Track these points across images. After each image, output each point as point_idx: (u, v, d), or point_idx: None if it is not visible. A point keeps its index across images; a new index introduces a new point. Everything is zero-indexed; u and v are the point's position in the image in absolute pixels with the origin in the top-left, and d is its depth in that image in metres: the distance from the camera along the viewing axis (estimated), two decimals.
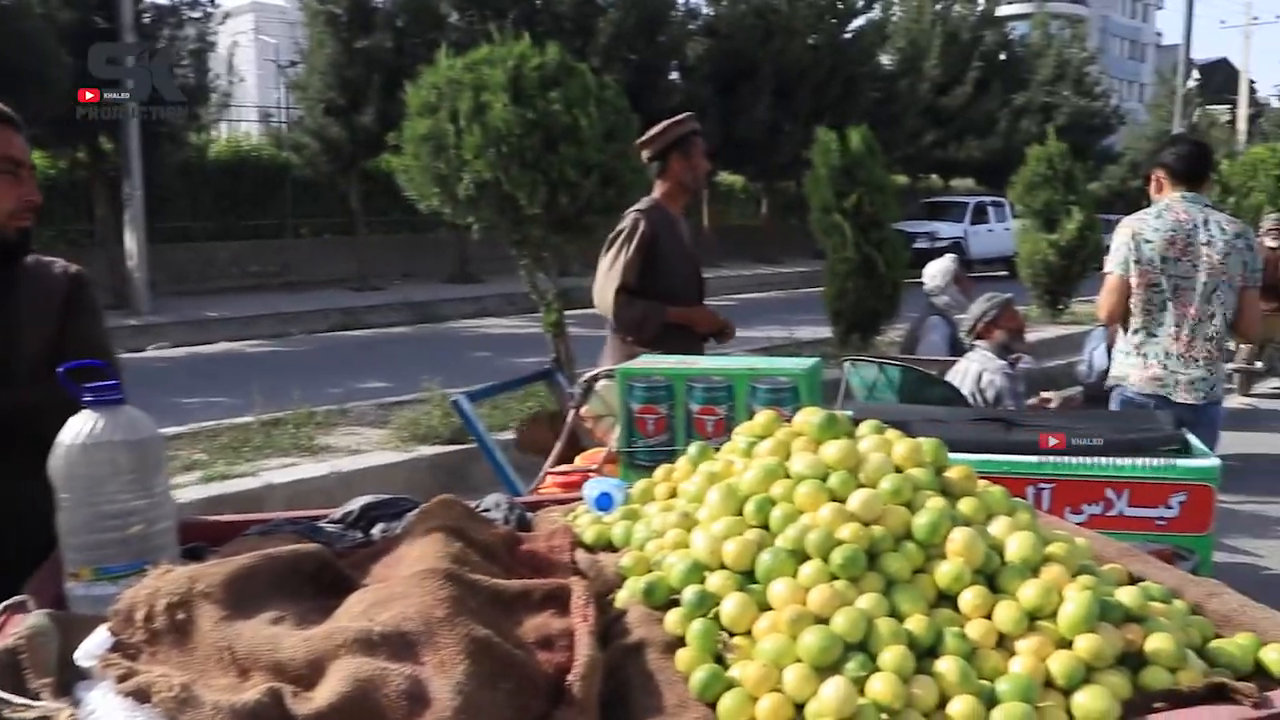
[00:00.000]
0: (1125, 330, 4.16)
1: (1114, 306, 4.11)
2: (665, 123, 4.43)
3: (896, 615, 1.46)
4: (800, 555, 1.56)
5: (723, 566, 1.61)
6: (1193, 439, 3.09)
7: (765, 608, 1.52)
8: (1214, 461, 2.91)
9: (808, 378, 3.10)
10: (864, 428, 1.88)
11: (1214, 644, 1.51)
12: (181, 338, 14.55)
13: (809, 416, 1.88)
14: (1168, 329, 4.03)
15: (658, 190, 4.48)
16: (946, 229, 24.05)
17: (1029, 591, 1.46)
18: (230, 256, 19.58)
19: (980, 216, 25.07)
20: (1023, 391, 4.88)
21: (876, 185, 9.41)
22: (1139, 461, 2.87)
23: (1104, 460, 2.89)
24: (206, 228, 19.67)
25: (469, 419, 3.74)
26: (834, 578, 1.51)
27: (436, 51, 7.10)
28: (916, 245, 24.03)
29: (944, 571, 1.51)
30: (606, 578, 1.78)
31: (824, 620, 1.44)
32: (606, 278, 4.24)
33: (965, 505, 1.65)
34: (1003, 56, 30.44)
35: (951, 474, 1.76)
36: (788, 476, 1.73)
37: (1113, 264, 4.11)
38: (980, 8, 30.15)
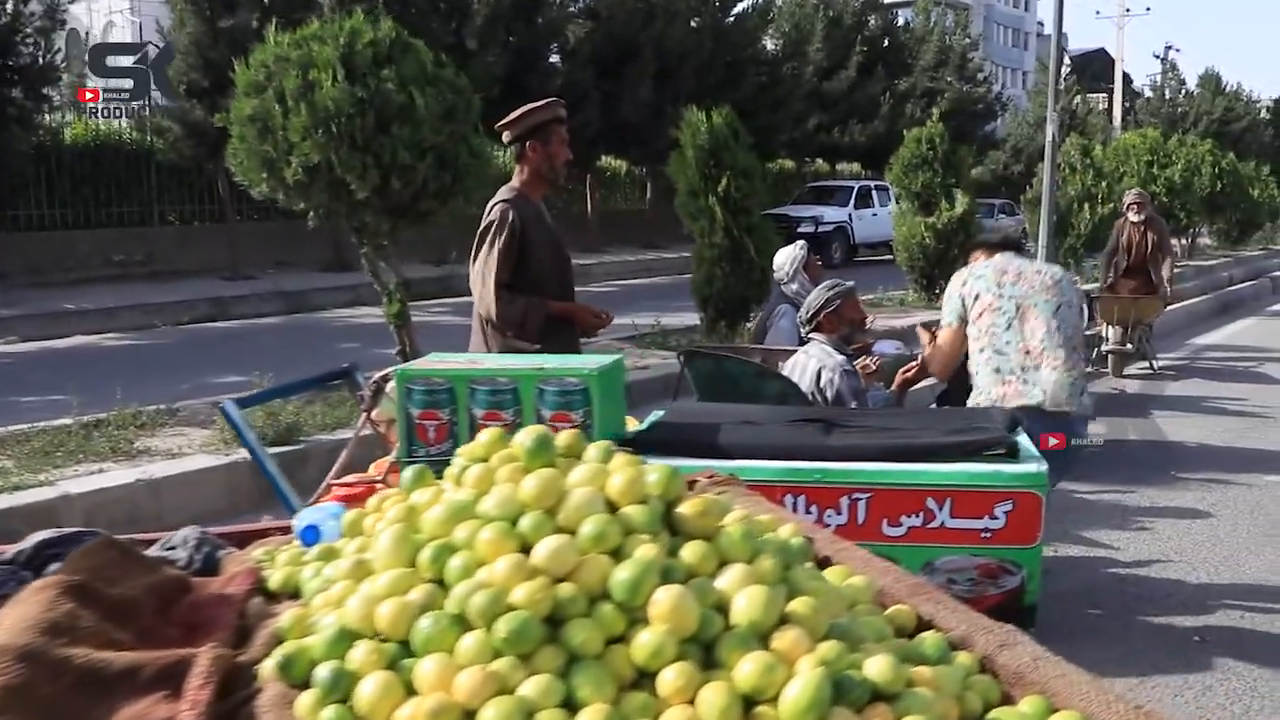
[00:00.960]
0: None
1: (949, 360, 4.58)
2: (526, 107, 4.21)
3: (573, 704, 1.16)
4: (467, 622, 1.25)
5: (378, 634, 1.30)
6: (1024, 441, 2.88)
7: (415, 692, 1.21)
8: (1041, 466, 2.70)
9: (601, 378, 2.81)
10: (591, 450, 1.58)
11: (993, 715, 1.24)
12: (33, 331, 13.66)
13: (524, 435, 1.58)
14: (1016, 344, 4.22)
15: (517, 177, 4.27)
16: (831, 213, 24.12)
17: (747, 668, 1.17)
18: (91, 246, 18.55)
19: (864, 201, 25.21)
20: (864, 389, 4.63)
21: (742, 169, 9.18)
22: (961, 468, 2.65)
23: (923, 467, 2.65)
24: (64, 215, 18.62)
25: (238, 427, 3.37)
26: (498, 653, 1.20)
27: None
28: (801, 230, 24.01)
29: (642, 643, 1.21)
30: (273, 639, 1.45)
31: (473, 713, 1.13)
32: (484, 274, 4.06)
33: (690, 552, 1.36)
34: (886, 42, 30.65)
35: (686, 509, 1.46)
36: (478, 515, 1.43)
37: (946, 314, 4.42)
38: None
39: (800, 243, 6.34)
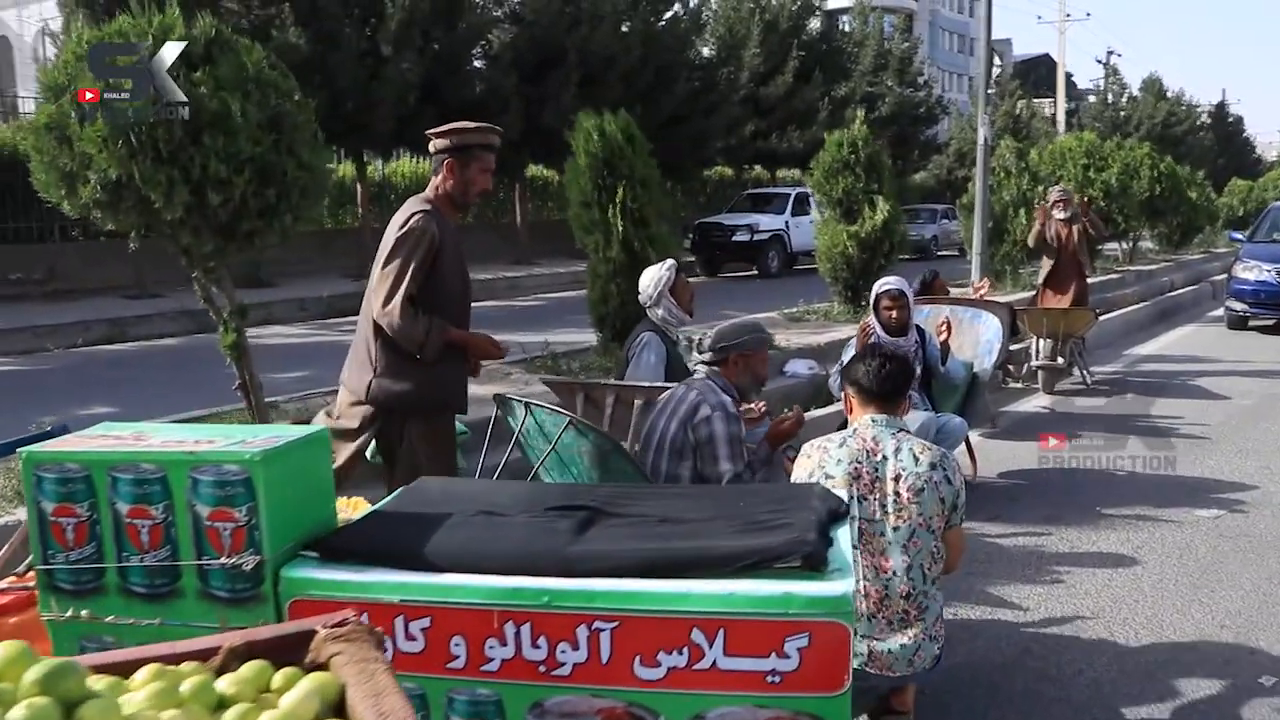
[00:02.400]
0: None
1: None
2: (459, 124, 4.11)
3: None
4: None
5: None
6: (840, 543, 2.17)
7: None
8: (846, 587, 1.98)
9: (271, 464, 2.09)
10: None
11: None
12: None
13: None
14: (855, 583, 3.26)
15: (431, 189, 4.07)
16: (767, 221, 23.51)
17: None
18: None
19: (802, 208, 24.56)
20: (743, 438, 3.93)
21: (640, 177, 8.48)
22: (738, 588, 1.94)
23: (688, 586, 1.94)
24: None
25: None
26: None
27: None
28: (737, 239, 23.43)
29: None
30: None
31: None
32: (392, 284, 3.79)
33: None
34: (824, 47, 30.15)
35: None
36: None
37: None
38: None
39: (669, 262, 5.61)
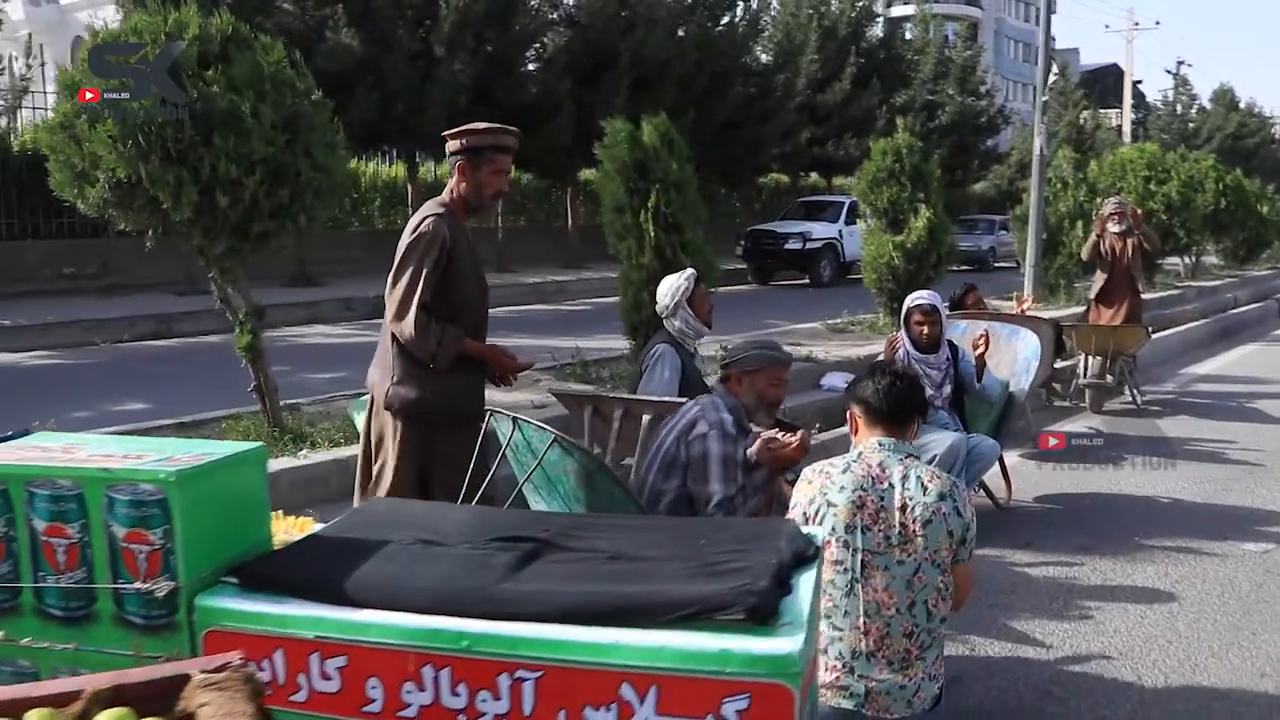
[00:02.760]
0: None
1: None
2: (473, 125, 3.99)
3: None
4: None
5: None
6: (799, 592, 1.97)
7: None
8: (795, 645, 1.78)
9: (188, 485, 1.94)
10: None
11: None
12: None
13: None
14: (854, 620, 3.00)
15: (447, 193, 3.99)
16: (820, 229, 23.14)
17: None
18: (39, 257, 17.80)
19: (856, 216, 24.20)
20: (739, 459, 3.71)
21: (674, 181, 8.29)
22: (674, 641, 1.74)
23: (620, 636, 1.75)
24: (10, 226, 17.88)
25: None
26: None
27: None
28: (789, 247, 23.10)
29: None
30: None
31: None
32: (404, 293, 3.75)
33: None
34: (883, 54, 29.75)
35: None
36: None
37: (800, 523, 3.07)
38: (861, 2, 29.36)
39: (688, 271, 5.43)
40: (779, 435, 3.82)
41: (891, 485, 3.05)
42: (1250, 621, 4.56)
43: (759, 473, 3.75)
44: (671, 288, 5.16)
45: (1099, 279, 9.67)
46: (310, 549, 2.26)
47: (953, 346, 5.93)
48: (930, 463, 5.53)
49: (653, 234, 8.20)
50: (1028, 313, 8.54)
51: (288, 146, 5.44)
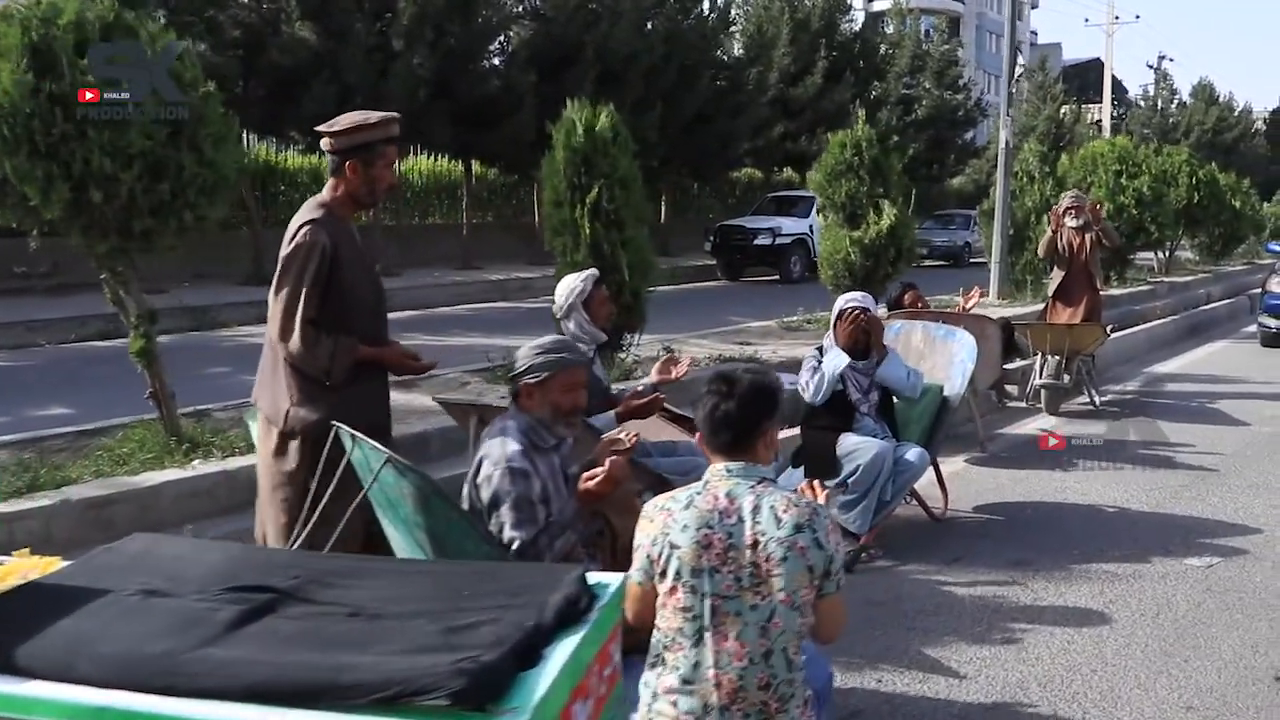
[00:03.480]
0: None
1: (643, 614, 2.71)
2: (354, 120, 3.71)
3: None
4: None
5: None
6: (547, 666, 1.65)
7: None
8: None
9: None
10: None
11: None
12: None
13: None
14: (704, 672, 2.62)
15: (329, 192, 3.75)
16: (791, 224, 22.86)
17: None
18: None
19: None
20: (535, 498, 3.24)
21: (620, 177, 7.96)
22: None
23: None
24: None
25: None
26: None
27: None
28: (758, 242, 22.80)
29: None
30: None
31: None
32: (285, 310, 3.56)
33: None
34: (857, 47, 29.47)
35: None
36: None
37: (635, 567, 2.71)
38: None
39: (589, 272, 5.06)
40: (624, 437, 3.49)
41: (741, 519, 2.63)
42: (1182, 647, 4.27)
43: (568, 508, 3.34)
44: (567, 288, 4.83)
45: (1057, 275, 9.40)
46: (20, 600, 1.93)
47: (883, 348, 5.63)
48: (853, 474, 5.24)
49: (588, 230, 7.87)
50: (972, 310, 8.23)
51: (171, 140, 5.10)
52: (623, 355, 8.41)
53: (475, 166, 22.40)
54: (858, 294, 5.68)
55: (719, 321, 13.94)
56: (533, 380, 3.37)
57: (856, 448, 5.28)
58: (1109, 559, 5.26)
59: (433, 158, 23.30)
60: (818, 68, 26.70)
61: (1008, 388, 8.73)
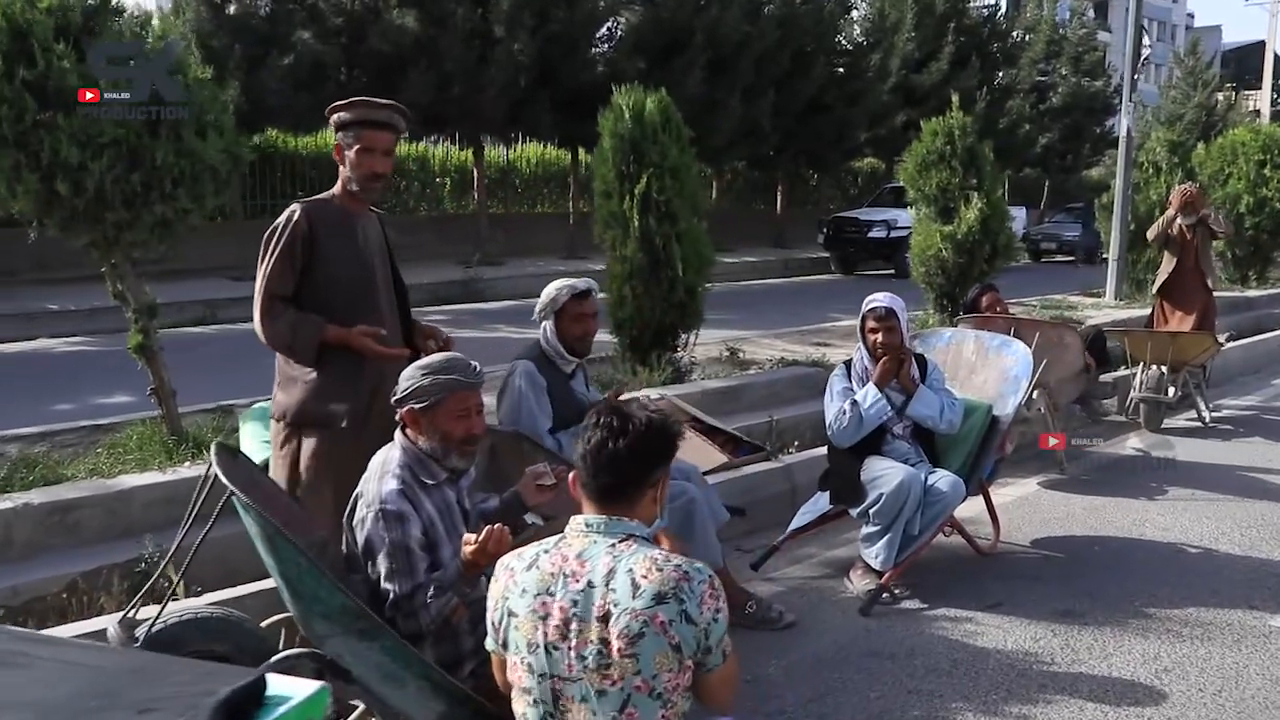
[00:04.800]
0: None
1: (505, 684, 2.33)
2: (345, 101, 3.70)
3: None
4: None
5: None
6: None
7: None
8: None
9: None
10: None
11: None
12: (8, 332, 12.92)
13: None
14: None
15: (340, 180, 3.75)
16: (907, 218, 21.78)
17: None
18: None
19: None
20: (412, 546, 2.86)
21: (670, 166, 7.45)
22: None
23: None
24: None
25: None
26: None
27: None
28: (873, 235, 21.92)
29: None
30: None
31: None
32: (256, 285, 3.65)
33: None
34: (987, 31, 28.12)
35: None
36: None
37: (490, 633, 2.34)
38: None
39: (578, 282, 4.38)
40: (546, 470, 3.03)
41: (592, 585, 2.15)
42: None
43: (450, 568, 2.88)
44: (547, 293, 4.34)
45: (1167, 264, 8.48)
46: None
47: (924, 361, 4.99)
48: (875, 505, 4.64)
49: (637, 223, 7.39)
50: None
51: (149, 128, 4.83)
52: (679, 355, 7.92)
53: (582, 155, 22.13)
54: (882, 295, 5.01)
55: (822, 317, 13.30)
56: (418, 406, 2.94)
57: (882, 474, 4.68)
58: (1176, 613, 4.53)
59: (543, 145, 23.08)
60: (944, 53, 25.53)
61: (1104, 402, 7.87)
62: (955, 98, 10.93)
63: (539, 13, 17.98)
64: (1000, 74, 27.72)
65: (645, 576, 2.13)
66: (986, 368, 5.26)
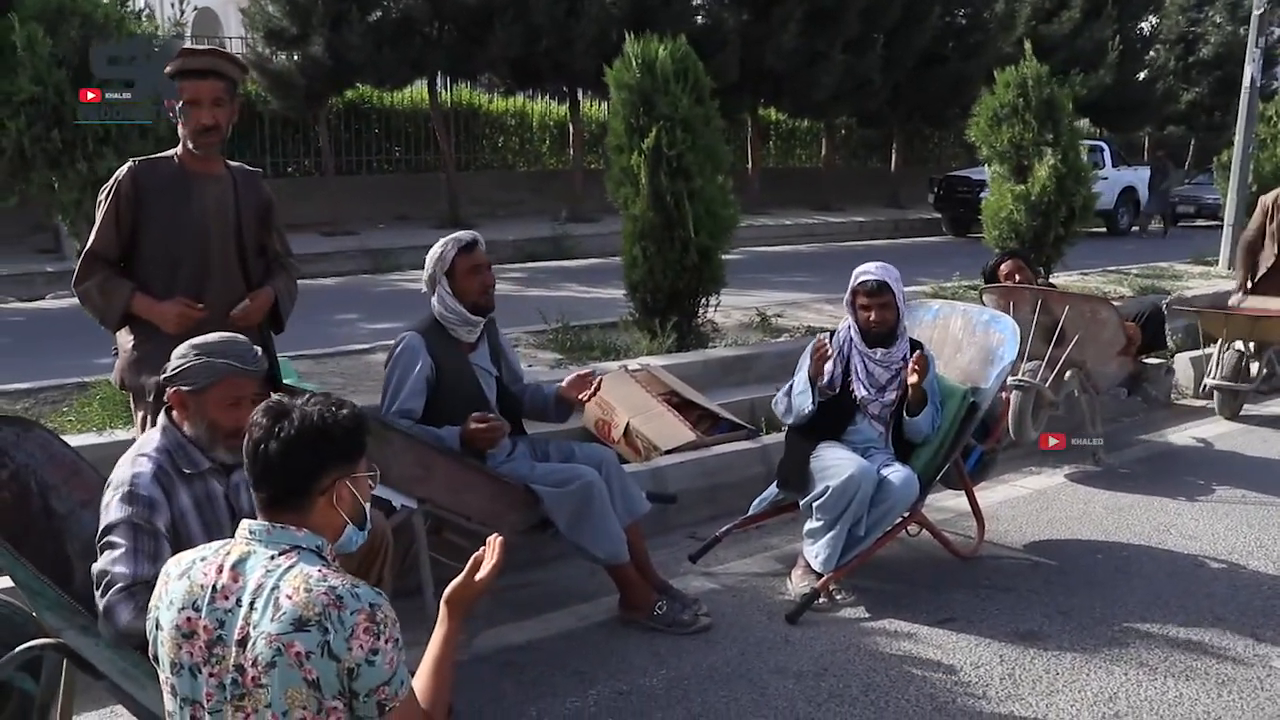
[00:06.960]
0: None
1: None
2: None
3: None
4: None
5: None
6: None
7: None
8: None
9: None
10: None
11: None
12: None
13: None
14: None
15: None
16: None
17: None
18: None
19: None
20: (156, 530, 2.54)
21: (683, 118, 6.93)
22: None
23: None
24: None
25: None
26: None
27: None
28: (985, 195, 20.66)
29: None
30: None
31: None
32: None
33: None
34: None
35: None
36: None
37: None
38: None
39: (463, 235, 3.96)
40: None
41: (239, 603, 1.83)
42: None
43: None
44: (431, 256, 3.90)
45: (1267, 256, 7.57)
46: None
47: (916, 345, 4.40)
48: (819, 498, 4.10)
49: (646, 179, 6.90)
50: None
51: (73, 85, 4.62)
52: (697, 321, 7.43)
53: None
54: (874, 265, 4.44)
55: (912, 282, 12.53)
56: (186, 388, 2.61)
57: (832, 464, 4.14)
58: (1160, 642, 3.87)
59: None
60: (1076, 2, 23.89)
61: (1149, 387, 7.01)
62: (1029, 45, 9.97)
63: None
64: (1141, 23, 25.81)
65: (290, 597, 1.79)
66: (971, 345, 4.63)
